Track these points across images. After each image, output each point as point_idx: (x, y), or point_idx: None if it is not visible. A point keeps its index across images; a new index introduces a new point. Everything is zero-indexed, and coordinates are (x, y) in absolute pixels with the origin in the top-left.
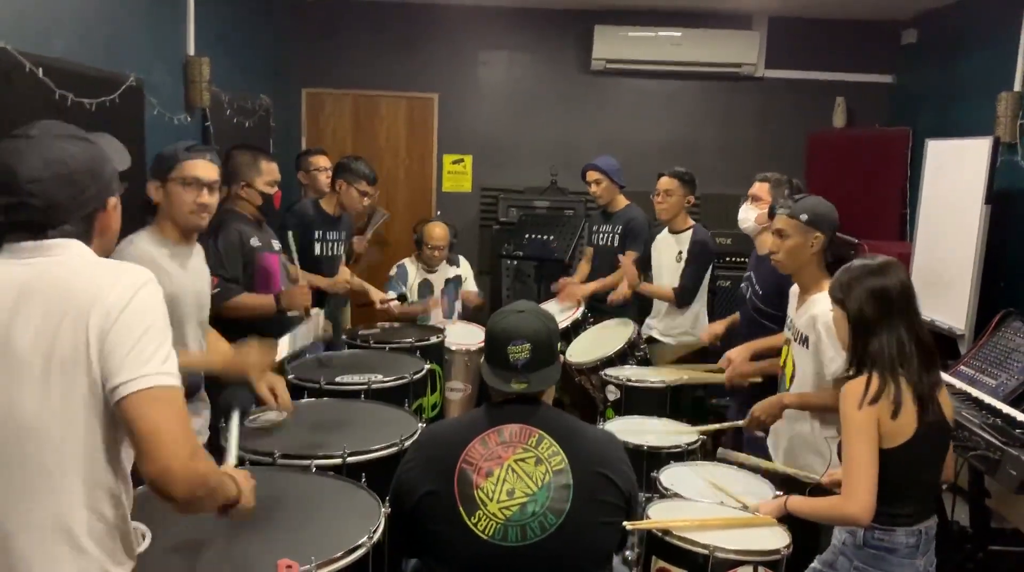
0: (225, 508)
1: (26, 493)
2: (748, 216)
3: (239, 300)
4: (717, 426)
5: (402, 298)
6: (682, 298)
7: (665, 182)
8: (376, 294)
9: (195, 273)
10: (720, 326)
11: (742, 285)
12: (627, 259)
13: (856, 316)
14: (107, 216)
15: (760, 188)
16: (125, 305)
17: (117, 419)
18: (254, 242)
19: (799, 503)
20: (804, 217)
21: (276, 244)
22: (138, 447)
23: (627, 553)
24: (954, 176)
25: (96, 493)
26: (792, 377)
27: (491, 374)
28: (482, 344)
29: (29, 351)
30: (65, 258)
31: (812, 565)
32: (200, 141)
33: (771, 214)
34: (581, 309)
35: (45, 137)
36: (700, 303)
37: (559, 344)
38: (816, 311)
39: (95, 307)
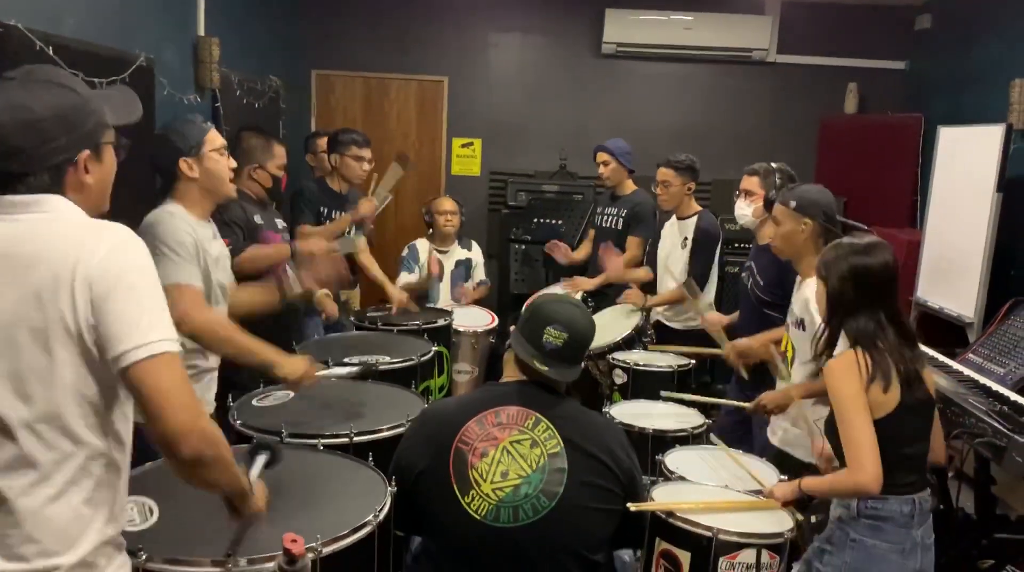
0: (233, 507)
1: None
2: (745, 211)
3: (252, 251)
4: (722, 401)
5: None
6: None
7: (662, 173)
8: (393, 291)
9: (216, 253)
10: (724, 320)
11: (743, 275)
12: (611, 256)
13: (836, 294)
14: (79, 171)
15: (750, 182)
16: (116, 271)
17: (109, 384)
18: (258, 219)
19: (813, 482)
20: (793, 203)
21: (280, 223)
22: (146, 410)
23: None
24: (966, 163)
25: (78, 457)
26: (793, 361)
27: (519, 344)
28: (489, 326)
29: (10, 317)
30: (50, 216)
31: (812, 544)
32: (210, 121)
33: (767, 205)
34: (579, 296)
35: (22, 81)
36: (710, 289)
37: None
38: (808, 293)
39: (79, 273)
